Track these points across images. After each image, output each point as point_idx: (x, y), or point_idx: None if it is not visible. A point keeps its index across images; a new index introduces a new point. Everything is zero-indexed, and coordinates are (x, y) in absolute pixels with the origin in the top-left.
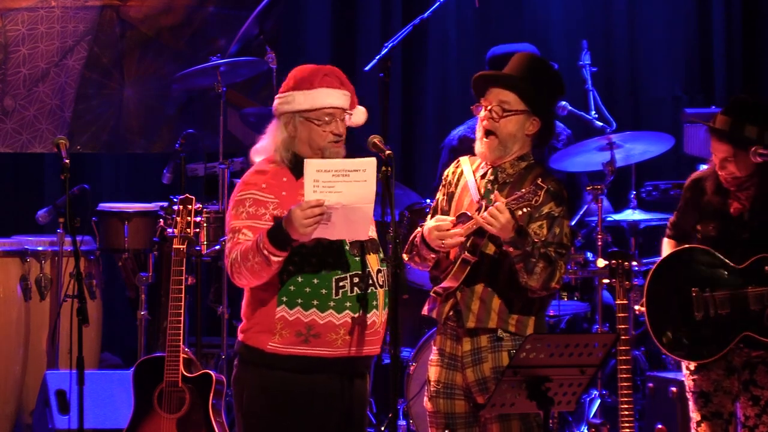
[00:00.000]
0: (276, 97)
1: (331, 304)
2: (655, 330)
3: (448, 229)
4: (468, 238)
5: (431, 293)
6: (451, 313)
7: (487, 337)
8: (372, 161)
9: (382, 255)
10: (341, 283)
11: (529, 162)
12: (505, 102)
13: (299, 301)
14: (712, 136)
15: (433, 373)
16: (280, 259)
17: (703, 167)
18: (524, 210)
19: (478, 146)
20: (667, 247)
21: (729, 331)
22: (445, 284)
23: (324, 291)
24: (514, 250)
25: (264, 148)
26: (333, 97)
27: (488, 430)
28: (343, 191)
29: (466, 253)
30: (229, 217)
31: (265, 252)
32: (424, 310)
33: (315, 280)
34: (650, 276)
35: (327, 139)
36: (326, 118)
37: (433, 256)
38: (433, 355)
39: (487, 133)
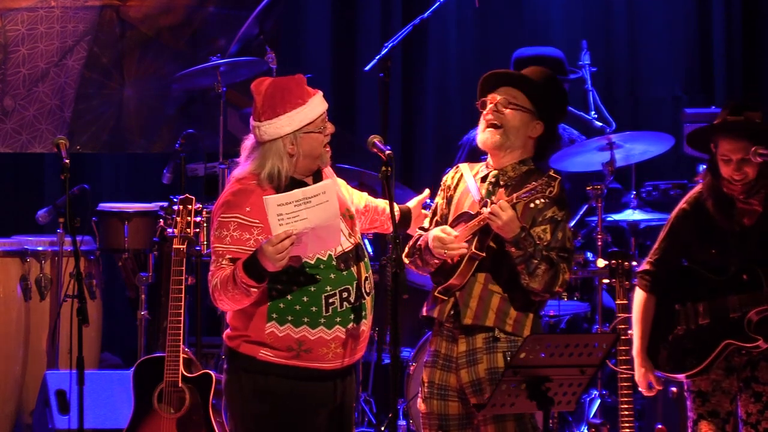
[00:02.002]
0: (263, 123)
1: (322, 320)
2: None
3: (450, 242)
4: (474, 235)
5: (435, 294)
6: (452, 312)
7: (483, 338)
8: (330, 183)
9: (367, 260)
10: (330, 300)
11: (530, 167)
12: (512, 97)
13: (289, 318)
14: (727, 138)
15: (427, 374)
16: (258, 289)
17: (704, 167)
18: (538, 201)
19: (481, 136)
20: (642, 302)
21: (711, 340)
22: (449, 282)
23: (314, 308)
24: (516, 250)
25: (250, 173)
26: (321, 103)
27: (482, 431)
28: (308, 217)
29: (473, 249)
30: (212, 237)
31: (243, 285)
32: (423, 311)
33: (305, 298)
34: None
35: (323, 143)
36: (323, 124)
37: (437, 261)
38: (428, 357)
39: (492, 125)
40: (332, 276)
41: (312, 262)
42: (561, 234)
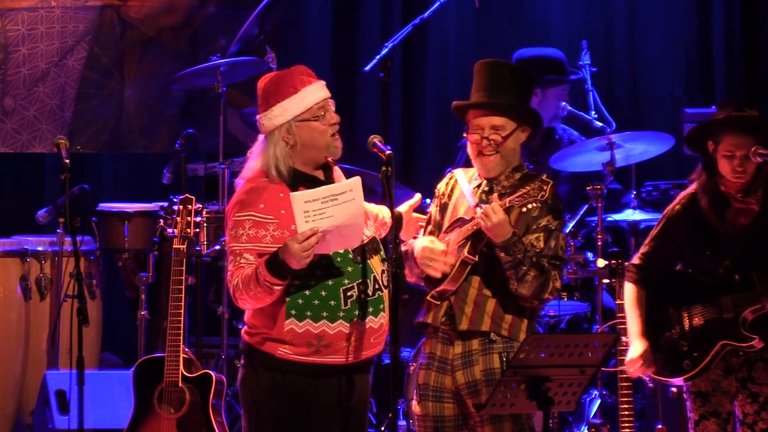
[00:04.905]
0: (260, 116)
1: (341, 314)
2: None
3: (441, 253)
4: (467, 239)
5: (427, 299)
6: (444, 319)
7: (479, 341)
8: (357, 181)
9: (383, 253)
10: (349, 293)
11: (523, 173)
12: (498, 127)
13: (308, 313)
14: (732, 133)
15: (422, 376)
16: (281, 287)
17: (699, 166)
18: (531, 206)
19: (479, 165)
20: (633, 293)
21: (706, 342)
22: (442, 287)
23: (333, 302)
24: (505, 255)
25: (253, 169)
26: (318, 91)
27: None
28: (335, 214)
29: (465, 254)
30: (228, 237)
31: (267, 283)
32: (418, 318)
33: (323, 292)
34: None
35: (328, 133)
36: (321, 112)
37: (418, 271)
38: (423, 359)
39: (487, 153)
40: (350, 269)
41: (329, 256)
42: (554, 242)
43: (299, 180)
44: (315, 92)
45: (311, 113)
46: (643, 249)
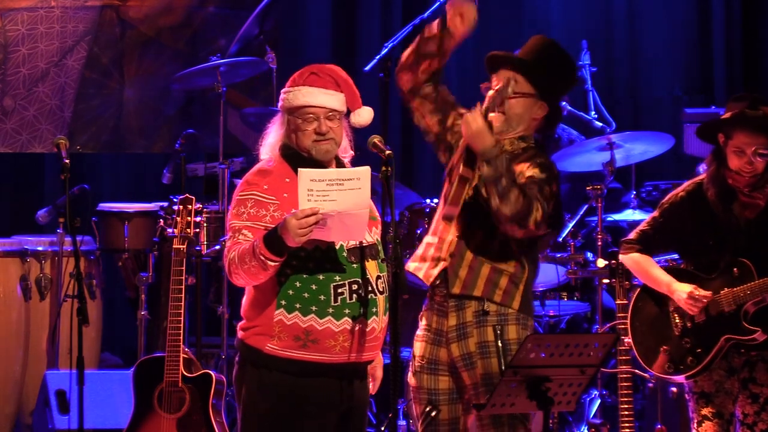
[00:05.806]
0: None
1: (330, 310)
2: (644, 358)
3: None
4: (460, 157)
5: (441, 217)
6: (438, 282)
7: (473, 312)
8: (366, 170)
9: (382, 256)
10: (340, 290)
11: (528, 144)
12: (513, 82)
13: (297, 305)
14: (745, 131)
15: (418, 348)
16: (276, 263)
17: (708, 159)
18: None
19: None
20: (638, 257)
21: (709, 337)
22: (445, 210)
23: (322, 297)
24: (487, 167)
25: (269, 144)
26: (313, 96)
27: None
28: (338, 199)
29: (461, 170)
30: (230, 215)
31: (262, 257)
32: (408, 265)
33: (313, 286)
34: (630, 310)
35: (311, 138)
36: (309, 116)
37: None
38: (420, 330)
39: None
40: (342, 267)
41: (323, 249)
42: (538, 186)
43: (302, 163)
44: (308, 96)
45: (299, 114)
46: (640, 227)
